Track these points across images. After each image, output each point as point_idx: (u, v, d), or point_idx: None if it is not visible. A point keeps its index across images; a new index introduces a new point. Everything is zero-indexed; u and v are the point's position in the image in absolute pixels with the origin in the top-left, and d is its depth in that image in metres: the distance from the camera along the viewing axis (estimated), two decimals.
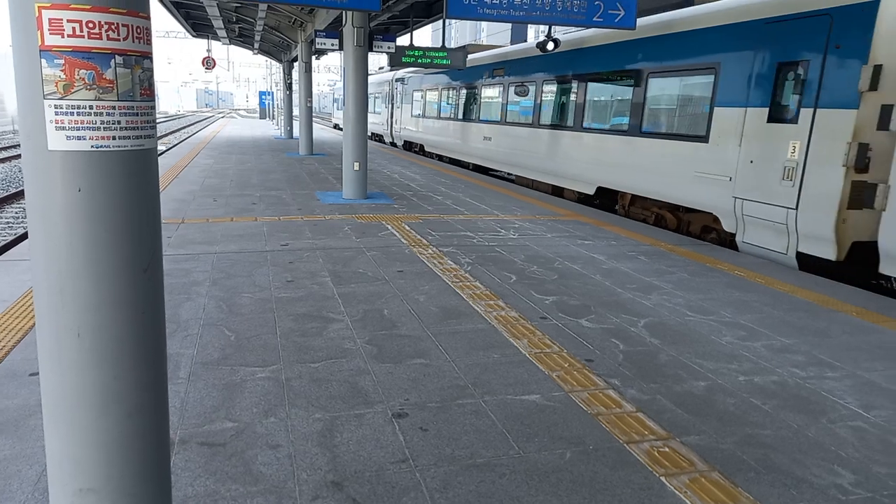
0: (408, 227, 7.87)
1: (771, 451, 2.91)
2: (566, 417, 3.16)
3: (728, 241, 7.85)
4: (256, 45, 24.44)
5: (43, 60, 1.47)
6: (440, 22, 14.47)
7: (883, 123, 5.80)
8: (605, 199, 10.63)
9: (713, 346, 4.23)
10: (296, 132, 24.50)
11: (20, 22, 1.46)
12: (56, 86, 1.49)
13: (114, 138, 1.55)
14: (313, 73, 19.99)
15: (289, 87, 25.16)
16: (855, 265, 6.50)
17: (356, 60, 9.98)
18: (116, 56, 1.53)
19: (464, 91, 16.19)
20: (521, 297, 5.14)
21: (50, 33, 1.46)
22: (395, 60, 13.09)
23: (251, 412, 3.08)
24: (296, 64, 21.68)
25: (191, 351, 3.79)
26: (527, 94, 12.65)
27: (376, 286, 5.27)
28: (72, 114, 1.50)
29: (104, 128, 1.53)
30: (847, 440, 3.05)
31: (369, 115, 25.39)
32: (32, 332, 3.96)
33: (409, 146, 22.15)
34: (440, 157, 18.99)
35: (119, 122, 1.55)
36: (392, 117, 23.46)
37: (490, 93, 14.43)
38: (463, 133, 16.19)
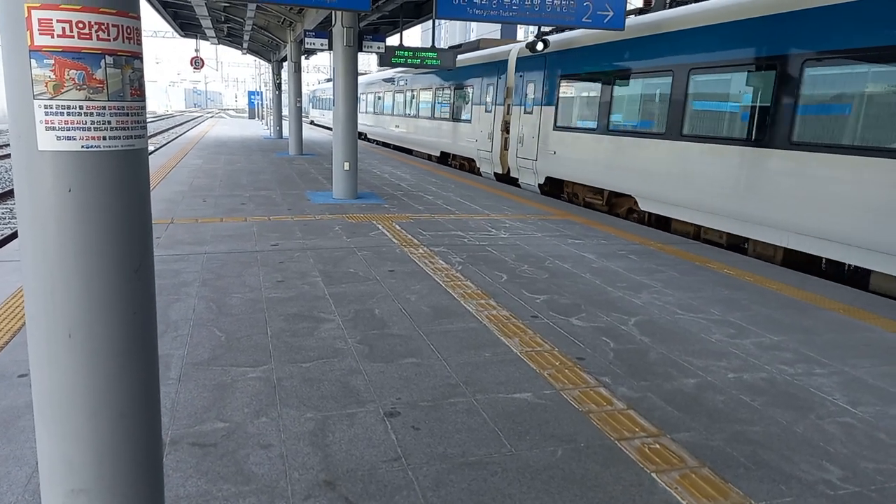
0: (398, 227, 7.87)
1: (760, 448, 2.94)
2: (557, 415, 3.18)
3: (474, 170, 15.52)
4: (245, 45, 24.34)
5: (33, 60, 1.47)
6: (430, 22, 14.56)
7: (508, 112, 13.21)
8: (446, 160, 18.06)
9: (703, 343, 4.26)
10: (285, 132, 24.46)
11: (9, 22, 1.46)
12: (46, 86, 1.48)
13: (104, 138, 1.54)
14: (302, 73, 19.94)
15: (278, 86, 25.07)
16: (510, 179, 13.44)
17: (346, 60, 9.97)
18: (106, 56, 1.52)
19: (385, 94, 23.51)
20: (513, 296, 5.16)
21: (40, 33, 1.46)
22: (385, 60, 13.08)
23: (242, 412, 3.07)
24: (285, 64, 21.60)
25: (181, 351, 3.77)
26: (412, 98, 20.09)
27: (367, 286, 5.27)
28: (62, 114, 1.50)
29: (94, 128, 1.52)
30: (835, 436, 3.08)
31: (328, 111, 35.66)
32: (21, 333, 3.94)
33: (357, 136, 28.38)
34: (377, 142, 25.72)
35: (109, 123, 1.54)
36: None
37: (398, 96, 21.79)
38: (386, 124, 23.42)
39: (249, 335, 4.08)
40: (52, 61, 1.47)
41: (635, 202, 9.29)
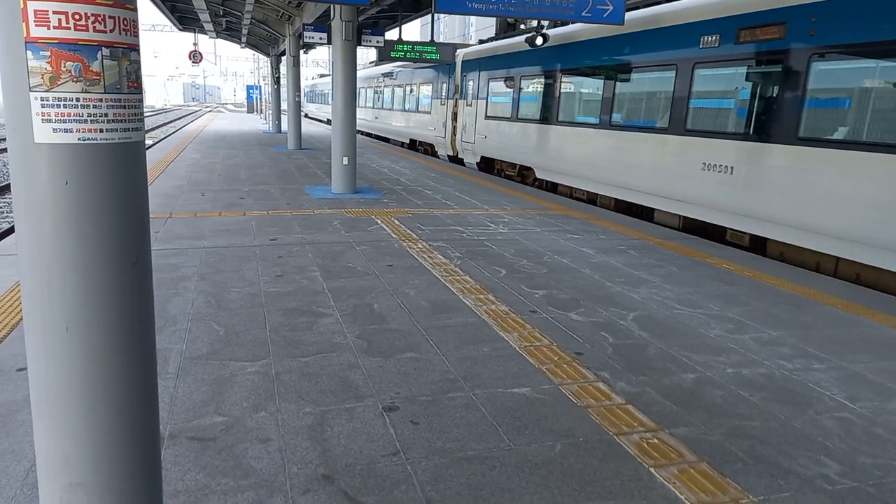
0: (397, 222, 7.86)
1: (758, 443, 2.94)
2: (556, 410, 3.17)
3: (435, 154, 18.65)
4: (244, 39, 24.26)
5: (29, 52, 1.45)
6: (429, 16, 14.51)
7: (456, 105, 16.01)
8: (414, 146, 21.09)
9: (701, 338, 4.26)
10: (284, 126, 24.43)
11: (5, 13, 1.44)
12: (42, 78, 1.47)
13: (101, 131, 1.53)
14: (301, 67, 19.94)
15: (276, 81, 25.01)
16: (459, 160, 16.45)
17: (344, 55, 9.93)
18: (103, 48, 1.51)
19: (368, 90, 26.79)
20: (511, 290, 5.15)
21: (35, 25, 1.44)
22: (384, 55, 13.04)
23: (241, 406, 3.07)
24: (283, 58, 21.54)
25: (180, 346, 3.77)
26: (389, 93, 23.15)
27: (366, 280, 5.27)
28: (58, 106, 1.48)
29: (91, 120, 1.51)
30: (833, 431, 3.09)
31: (323, 105, 39.36)
32: (19, 327, 3.93)
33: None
34: (361, 132, 28.87)
35: (106, 115, 1.53)
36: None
37: (378, 92, 24.92)
38: (369, 116, 26.62)
39: (248, 329, 4.08)
40: (48, 53, 1.46)
41: (534, 173, 12.46)
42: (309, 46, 21.71)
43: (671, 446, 2.87)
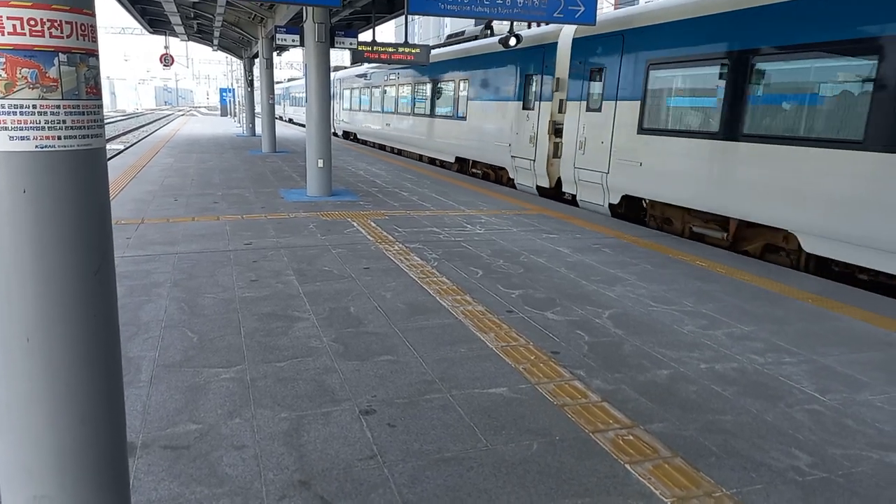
0: (374, 224, 7.84)
1: (731, 437, 2.98)
2: (533, 409, 3.19)
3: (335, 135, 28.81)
4: (216, 42, 24.02)
5: None
6: (403, 18, 14.50)
7: (335, 103, 28.40)
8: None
9: (675, 335, 4.31)
10: (258, 129, 24.26)
11: None
12: None
13: (59, 138, 1.50)
14: (275, 70, 19.82)
15: (250, 83, 24.79)
16: (336, 135, 29.77)
17: (318, 57, 9.88)
18: (60, 54, 1.48)
19: (297, 94, 37.50)
20: (488, 291, 5.16)
21: None
22: (358, 57, 13.00)
23: (216, 413, 3.03)
24: (257, 60, 21.38)
25: (152, 353, 3.71)
26: (305, 95, 30.03)
27: (342, 284, 5.24)
28: (14, 113, 1.45)
29: (49, 127, 1.48)
30: (804, 423, 3.14)
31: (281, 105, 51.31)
32: None
33: (290, 121, 43.30)
34: (291, 122, 42.16)
35: (64, 122, 1.50)
36: (283, 107, 47.13)
37: (300, 94, 33.28)
38: (299, 111, 36.39)
39: (222, 335, 4.03)
40: (2, 59, 1.43)
41: (357, 136, 24.64)
42: (282, 49, 21.58)
43: (646, 442, 2.90)
